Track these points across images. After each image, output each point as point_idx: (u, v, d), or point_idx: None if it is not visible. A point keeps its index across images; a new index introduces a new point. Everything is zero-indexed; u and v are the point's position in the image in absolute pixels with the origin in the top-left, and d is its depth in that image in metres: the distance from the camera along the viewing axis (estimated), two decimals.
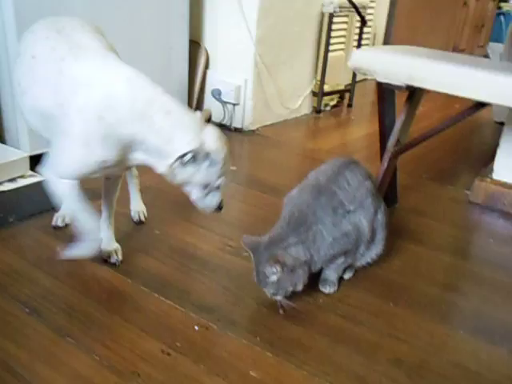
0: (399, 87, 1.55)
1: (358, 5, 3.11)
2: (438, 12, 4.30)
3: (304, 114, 3.17)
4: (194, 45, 2.72)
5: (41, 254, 1.46)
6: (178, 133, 1.18)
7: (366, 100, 3.69)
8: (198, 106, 2.80)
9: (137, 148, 1.19)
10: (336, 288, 1.39)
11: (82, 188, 1.27)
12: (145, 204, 1.72)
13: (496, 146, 2.10)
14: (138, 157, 1.22)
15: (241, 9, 2.58)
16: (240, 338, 1.19)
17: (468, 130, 3.15)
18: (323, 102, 3.24)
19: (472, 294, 1.46)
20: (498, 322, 1.34)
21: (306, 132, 2.97)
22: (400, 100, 1.79)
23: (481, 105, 1.55)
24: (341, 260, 1.36)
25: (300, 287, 1.26)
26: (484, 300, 1.42)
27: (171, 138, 1.17)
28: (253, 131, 2.77)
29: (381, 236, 1.43)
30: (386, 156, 1.76)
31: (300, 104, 3.11)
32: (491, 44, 5.27)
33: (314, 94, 3.22)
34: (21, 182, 1.84)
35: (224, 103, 2.74)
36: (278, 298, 1.25)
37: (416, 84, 1.51)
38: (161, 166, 1.21)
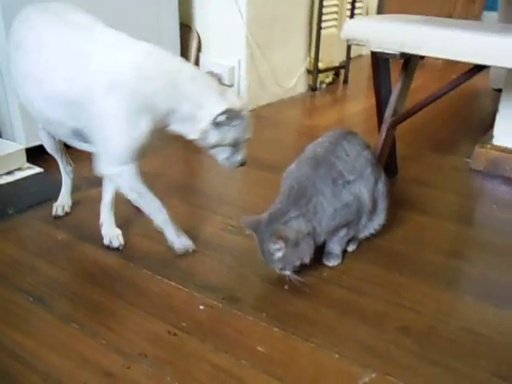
0: (393, 55, 1.53)
1: None
2: None
3: (299, 93, 3.14)
4: (185, 28, 2.69)
5: (42, 244, 1.45)
6: (206, 96, 1.24)
7: (361, 76, 3.66)
8: None
9: (171, 117, 1.23)
10: (340, 261, 1.38)
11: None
12: None
13: (495, 112, 2.07)
14: (173, 126, 1.26)
15: None
16: (246, 314, 1.18)
17: (466, 98, 3.12)
18: (318, 80, 3.21)
19: (477, 260, 1.45)
20: (504, 285, 1.33)
21: (302, 110, 2.95)
22: (395, 73, 1.76)
23: (478, 69, 1.52)
24: (343, 232, 1.35)
25: (307, 260, 1.25)
26: (489, 265, 1.41)
27: (202, 103, 1.23)
28: (249, 111, 2.74)
29: (382, 206, 1.41)
30: (384, 126, 1.74)
31: (295, 83, 3.08)
32: (485, 13, 5.21)
33: (308, 72, 3.19)
34: (18, 175, 1.83)
35: None
36: (287, 273, 1.24)
37: (410, 51, 1.49)
38: (194, 132, 1.26)
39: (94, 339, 1.09)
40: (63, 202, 1.60)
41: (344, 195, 1.29)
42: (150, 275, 1.31)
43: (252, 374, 1.02)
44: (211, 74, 2.69)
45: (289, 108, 2.89)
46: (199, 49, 2.76)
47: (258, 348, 1.08)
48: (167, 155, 2.10)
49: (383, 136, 1.75)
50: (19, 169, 1.85)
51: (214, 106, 1.23)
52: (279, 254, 1.20)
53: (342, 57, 3.47)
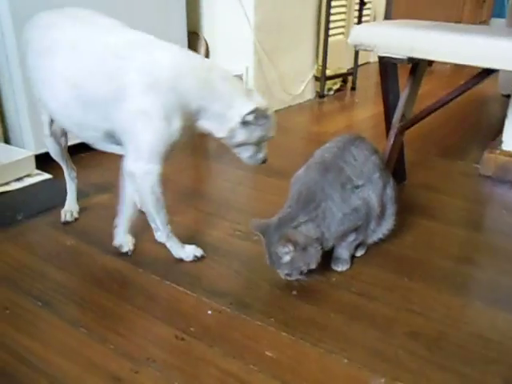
0: (401, 60, 1.52)
1: None
2: None
3: (307, 100, 3.15)
4: (193, 36, 2.71)
5: (50, 249, 1.46)
6: (236, 96, 1.27)
7: (369, 82, 3.66)
8: None
9: (201, 115, 1.26)
10: (349, 266, 1.38)
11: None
12: None
13: (503, 118, 2.06)
14: (202, 124, 1.28)
15: None
16: (254, 319, 1.18)
17: (474, 104, 3.11)
18: (326, 87, 3.21)
19: (487, 266, 1.43)
20: None
21: (310, 116, 2.95)
22: (403, 79, 1.76)
23: (486, 73, 1.51)
24: (352, 237, 1.34)
25: (313, 266, 1.25)
26: (500, 271, 1.40)
27: (231, 102, 1.26)
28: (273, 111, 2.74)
29: (391, 211, 1.41)
30: (392, 132, 1.74)
31: (303, 89, 3.09)
32: (493, 20, 5.20)
33: (316, 78, 3.19)
34: (27, 181, 1.84)
35: None
36: (293, 278, 1.24)
37: (418, 55, 1.49)
38: (222, 131, 1.29)
39: (102, 344, 1.09)
40: (71, 208, 1.60)
41: (353, 200, 1.29)
42: (158, 280, 1.31)
43: (260, 379, 1.01)
44: None
45: (296, 114, 2.89)
46: (207, 56, 2.77)
47: (267, 353, 1.08)
48: (176, 161, 2.10)
49: (391, 141, 1.75)
50: (28, 175, 1.86)
51: (242, 105, 1.27)
52: (287, 258, 1.20)
53: (350, 64, 3.47)
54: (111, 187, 1.81)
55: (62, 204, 1.61)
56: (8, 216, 1.61)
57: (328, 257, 1.35)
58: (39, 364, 1.04)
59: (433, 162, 2.19)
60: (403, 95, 1.73)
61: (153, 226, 1.35)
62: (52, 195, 1.73)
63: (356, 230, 1.33)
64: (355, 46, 1.63)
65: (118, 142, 1.27)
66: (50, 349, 1.08)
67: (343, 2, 3.61)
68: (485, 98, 3.26)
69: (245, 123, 1.28)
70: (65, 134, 1.51)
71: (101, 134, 1.28)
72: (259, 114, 1.28)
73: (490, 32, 1.55)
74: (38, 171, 1.89)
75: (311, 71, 3.15)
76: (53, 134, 1.49)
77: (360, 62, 3.52)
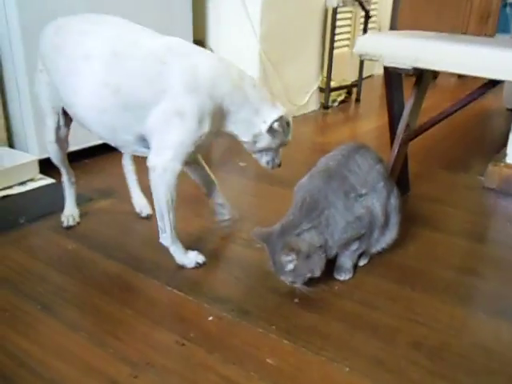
0: (406, 70, 1.52)
1: None
2: (442, 3, 4.27)
3: (312, 110, 3.15)
4: (199, 44, 2.71)
5: (52, 253, 1.45)
6: (263, 103, 1.32)
7: (373, 95, 3.67)
8: None
9: (230, 119, 1.31)
10: (351, 275, 1.37)
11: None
12: (151, 201, 1.71)
13: (508, 132, 2.06)
14: (228, 128, 1.33)
15: (244, 6, 2.57)
16: (255, 326, 1.17)
17: (479, 118, 3.11)
18: (331, 98, 3.22)
19: (491, 277, 1.42)
20: None
21: (314, 127, 2.95)
22: (407, 92, 1.76)
23: (492, 84, 1.51)
24: (355, 246, 1.33)
25: (318, 273, 1.24)
26: (503, 282, 1.39)
27: (259, 109, 1.31)
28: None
29: (395, 220, 1.40)
30: (396, 142, 1.74)
31: (307, 100, 3.09)
32: (498, 35, 5.22)
33: (321, 90, 3.20)
34: (30, 185, 1.84)
35: None
36: (298, 285, 1.23)
37: (423, 66, 1.49)
38: (247, 135, 1.34)
39: (102, 348, 1.08)
40: (72, 212, 1.60)
41: (356, 208, 1.28)
42: (159, 286, 1.31)
43: None
44: None
45: (301, 125, 2.89)
46: None
47: (268, 360, 1.07)
48: None
49: (395, 152, 1.75)
50: (32, 179, 1.87)
51: (269, 112, 1.32)
52: (290, 266, 1.19)
53: (355, 76, 3.48)
54: (114, 193, 1.82)
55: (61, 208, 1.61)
56: (10, 219, 1.60)
57: (331, 266, 1.34)
58: (37, 367, 1.03)
59: (436, 174, 2.19)
60: (408, 106, 1.73)
61: (159, 226, 1.35)
62: (55, 200, 1.72)
63: (359, 238, 1.32)
64: (361, 56, 1.63)
65: (148, 146, 1.29)
66: (49, 352, 1.07)
67: (348, 15, 3.63)
68: (489, 111, 3.26)
69: (270, 130, 1.33)
70: (67, 139, 1.52)
71: (134, 138, 1.30)
72: (283, 121, 1.34)
73: (495, 43, 1.55)
74: (42, 176, 1.89)
75: (316, 82, 3.16)
76: (58, 140, 1.49)
77: (364, 74, 3.53)
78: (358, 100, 3.45)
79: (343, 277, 1.36)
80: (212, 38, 2.76)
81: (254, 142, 1.36)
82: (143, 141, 1.30)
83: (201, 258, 1.40)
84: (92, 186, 1.87)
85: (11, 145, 1.99)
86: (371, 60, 1.61)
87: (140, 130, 1.27)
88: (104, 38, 1.27)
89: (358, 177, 1.31)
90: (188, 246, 1.41)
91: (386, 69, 1.62)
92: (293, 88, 2.94)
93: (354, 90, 3.48)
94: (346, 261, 1.36)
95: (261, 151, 1.40)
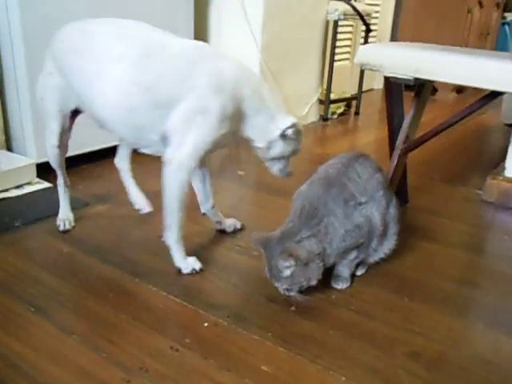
0: (407, 80, 1.53)
1: (362, 12, 3.11)
2: (442, 19, 4.30)
3: (311, 122, 3.16)
4: None
5: (47, 256, 1.44)
6: (278, 111, 1.36)
7: (372, 108, 3.68)
8: None
9: (246, 124, 1.34)
10: (349, 284, 1.35)
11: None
12: (154, 208, 1.71)
13: (506, 147, 2.06)
14: (245, 132, 1.36)
15: (245, 16, 2.59)
16: (251, 333, 1.15)
17: (478, 133, 3.12)
18: (330, 110, 3.23)
19: (489, 289, 1.41)
20: None
21: (313, 138, 2.95)
22: (407, 106, 1.76)
23: (493, 96, 1.51)
24: (353, 255, 1.32)
25: (314, 282, 1.23)
26: (502, 294, 1.38)
27: (274, 115, 1.35)
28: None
29: (393, 230, 1.39)
30: (396, 153, 1.73)
31: (307, 112, 3.10)
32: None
33: (320, 102, 3.21)
34: (27, 189, 1.83)
35: None
36: (292, 293, 1.21)
37: (424, 76, 1.49)
38: (261, 141, 1.38)
39: (95, 352, 1.07)
40: (67, 216, 1.59)
41: (355, 217, 1.28)
42: (154, 291, 1.29)
43: None
44: None
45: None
46: None
47: (263, 367, 1.05)
48: None
49: (394, 162, 1.74)
50: (29, 183, 1.85)
51: (283, 119, 1.36)
52: (287, 272, 1.18)
53: (354, 90, 3.49)
54: (110, 198, 1.81)
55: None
56: (5, 222, 1.59)
57: (328, 274, 1.33)
58: (29, 370, 1.01)
59: (435, 187, 2.18)
60: (408, 117, 1.73)
61: (166, 223, 1.35)
62: (51, 204, 1.71)
63: (357, 247, 1.31)
64: (361, 66, 1.63)
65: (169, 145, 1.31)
66: (42, 355, 1.05)
67: (349, 29, 3.65)
68: (488, 127, 3.28)
69: (284, 136, 1.36)
70: (68, 144, 1.52)
71: (158, 137, 1.31)
72: (296, 128, 1.38)
73: (495, 56, 1.55)
74: (39, 180, 1.88)
75: (316, 94, 3.17)
76: (60, 145, 1.49)
77: (364, 88, 3.54)
78: (357, 113, 3.46)
79: (340, 286, 1.35)
80: (213, 47, 2.77)
81: (268, 149, 1.39)
82: (165, 139, 1.31)
83: (198, 265, 1.39)
84: (89, 191, 1.86)
85: (9, 148, 1.98)
86: (372, 70, 1.61)
87: (164, 129, 1.29)
88: (134, 40, 1.31)
89: (358, 185, 1.30)
90: (186, 252, 1.39)
91: (386, 79, 1.62)
92: (292, 99, 2.95)
93: (354, 103, 3.49)
94: (344, 270, 1.35)
95: (273, 159, 1.43)
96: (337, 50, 3.15)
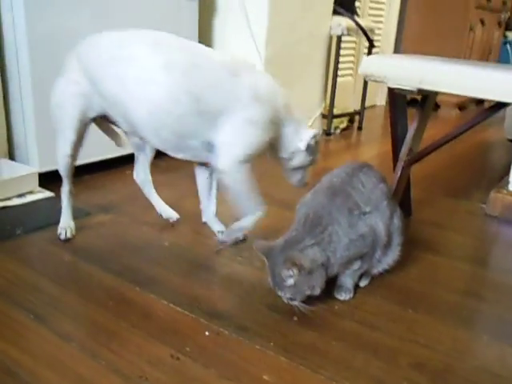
0: (411, 92, 1.53)
1: (365, 28, 3.13)
2: (445, 37, 4.33)
3: None
4: None
5: (47, 264, 1.43)
6: (301, 123, 1.47)
7: (375, 124, 3.69)
8: None
9: (277, 132, 1.42)
10: (352, 295, 1.34)
11: None
12: (154, 218, 1.70)
13: (510, 162, 2.06)
14: (275, 141, 1.43)
15: (250, 30, 2.60)
16: (252, 343, 1.13)
17: (481, 148, 3.12)
18: (333, 125, 3.23)
19: (494, 301, 1.39)
20: None
21: None
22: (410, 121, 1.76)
23: (498, 107, 1.51)
24: (357, 265, 1.31)
25: (317, 291, 1.21)
26: (507, 307, 1.36)
27: (298, 128, 1.45)
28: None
29: (397, 241, 1.38)
30: (399, 165, 1.73)
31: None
32: None
33: (323, 116, 3.21)
34: (29, 198, 1.82)
35: None
36: (295, 303, 1.20)
37: (428, 87, 1.49)
38: (285, 152, 1.46)
39: (94, 360, 1.05)
40: (69, 225, 1.57)
41: (359, 226, 1.26)
42: (155, 300, 1.27)
43: None
44: None
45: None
46: None
47: (264, 377, 1.03)
48: (179, 188, 2.10)
49: (398, 174, 1.74)
50: (31, 192, 1.85)
51: (304, 131, 1.46)
52: (291, 281, 1.16)
53: (357, 106, 3.50)
54: (112, 208, 1.80)
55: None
56: (7, 230, 1.58)
57: (331, 285, 1.31)
58: (27, 377, 0.99)
59: (439, 201, 2.17)
60: (411, 129, 1.73)
61: (245, 210, 1.45)
62: (53, 213, 1.70)
63: (361, 258, 1.30)
64: (365, 77, 1.63)
65: (210, 150, 1.38)
66: (40, 362, 1.04)
67: (352, 45, 3.67)
68: (491, 142, 3.28)
69: (307, 147, 1.45)
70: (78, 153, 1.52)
71: (200, 143, 1.37)
72: (317, 139, 1.46)
73: (499, 67, 1.55)
74: (41, 189, 1.88)
75: (319, 109, 3.18)
76: (73, 154, 1.49)
77: (367, 104, 3.55)
78: (360, 128, 3.46)
79: (343, 296, 1.33)
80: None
81: (290, 160, 1.48)
82: (208, 145, 1.38)
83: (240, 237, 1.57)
84: (91, 201, 1.86)
85: (12, 157, 1.98)
86: (376, 81, 1.61)
87: (209, 135, 1.35)
88: (181, 50, 1.36)
89: (362, 195, 1.29)
90: (185, 261, 1.38)
91: (390, 90, 1.62)
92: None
93: (357, 118, 3.49)
94: (347, 280, 1.34)
95: (294, 169, 1.51)
96: (340, 66, 3.16)
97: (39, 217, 1.70)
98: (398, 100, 1.71)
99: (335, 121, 3.24)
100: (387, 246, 1.35)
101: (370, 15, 3.94)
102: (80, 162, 1.96)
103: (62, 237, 1.55)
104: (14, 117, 1.94)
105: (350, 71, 3.78)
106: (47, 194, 1.86)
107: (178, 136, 1.36)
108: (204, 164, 1.54)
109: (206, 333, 1.16)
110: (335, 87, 3.12)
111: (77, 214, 1.63)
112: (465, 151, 2.95)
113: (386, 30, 4.32)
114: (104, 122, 1.51)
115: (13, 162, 1.93)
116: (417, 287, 1.43)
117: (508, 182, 2.02)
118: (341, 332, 1.20)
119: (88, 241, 1.56)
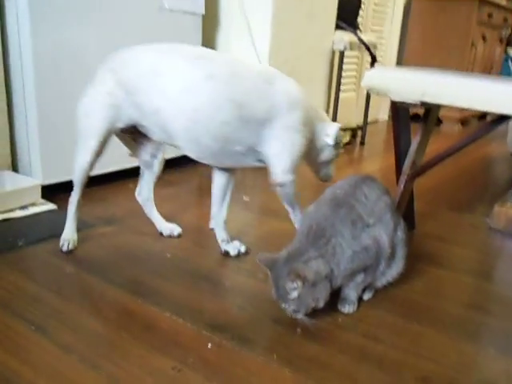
0: (414, 105, 1.53)
1: (368, 43, 3.14)
2: (446, 52, 4.35)
3: None
4: None
5: (49, 275, 1.42)
6: (325, 120, 1.54)
7: (378, 139, 3.68)
8: None
9: (310, 131, 1.47)
10: (355, 307, 1.32)
11: None
12: (156, 230, 1.70)
13: None
14: (309, 141, 1.48)
15: (253, 45, 2.61)
16: (255, 355, 1.12)
17: (484, 162, 3.12)
18: None
19: (499, 315, 1.38)
20: None
21: None
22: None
23: (501, 119, 1.51)
24: (360, 278, 1.30)
25: (321, 304, 1.20)
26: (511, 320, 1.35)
27: (323, 125, 1.52)
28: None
29: (401, 253, 1.37)
30: (403, 178, 1.72)
31: None
32: None
33: None
34: (32, 210, 1.82)
35: None
36: (299, 315, 1.18)
37: (431, 100, 1.49)
38: (314, 149, 1.52)
39: (95, 371, 1.04)
40: (72, 236, 1.57)
41: (363, 238, 1.25)
42: (157, 312, 1.26)
43: None
44: None
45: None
46: None
47: None
48: (180, 200, 2.10)
49: (401, 188, 1.73)
50: (33, 204, 1.84)
51: (329, 126, 1.52)
52: (295, 294, 1.15)
53: (359, 121, 3.50)
54: (115, 221, 1.80)
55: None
56: (9, 242, 1.57)
57: (334, 298, 1.30)
58: None
59: (443, 215, 2.16)
60: (414, 142, 1.73)
61: (294, 211, 1.52)
62: (55, 225, 1.69)
63: (365, 270, 1.29)
64: (368, 90, 1.63)
65: (257, 156, 1.45)
66: (40, 374, 1.03)
67: (355, 60, 3.69)
68: (494, 157, 3.27)
69: (334, 142, 1.52)
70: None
71: (245, 148, 1.42)
72: (340, 133, 1.55)
73: (502, 80, 1.56)
74: (43, 201, 1.87)
75: None
76: (92, 163, 1.50)
77: (369, 119, 3.55)
78: (362, 143, 3.46)
79: (347, 309, 1.32)
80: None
81: (317, 155, 1.55)
82: (253, 151, 1.43)
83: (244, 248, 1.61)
84: (94, 213, 1.85)
85: (15, 169, 1.98)
86: (378, 94, 1.61)
87: (254, 141, 1.41)
88: (221, 61, 1.42)
89: (366, 207, 1.29)
90: (187, 273, 1.37)
91: (393, 103, 1.62)
92: None
93: (359, 133, 3.50)
94: (351, 293, 1.32)
95: (321, 164, 1.58)
96: (342, 81, 3.17)
97: (41, 229, 1.70)
98: (402, 113, 1.71)
99: None
100: (391, 258, 1.34)
101: (372, 31, 3.96)
102: None
103: (64, 248, 1.54)
104: (17, 129, 1.95)
105: (353, 86, 3.79)
106: (50, 206, 1.86)
107: (220, 142, 1.39)
108: (226, 170, 1.57)
109: (209, 345, 1.15)
110: (338, 102, 3.13)
111: (79, 226, 1.62)
112: (468, 165, 2.95)
113: (388, 46, 4.35)
114: (125, 132, 1.54)
115: (16, 174, 1.94)
116: (421, 300, 1.41)
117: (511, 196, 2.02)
118: (345, 345, 1.19)
119: (90, 252, 1.55)
